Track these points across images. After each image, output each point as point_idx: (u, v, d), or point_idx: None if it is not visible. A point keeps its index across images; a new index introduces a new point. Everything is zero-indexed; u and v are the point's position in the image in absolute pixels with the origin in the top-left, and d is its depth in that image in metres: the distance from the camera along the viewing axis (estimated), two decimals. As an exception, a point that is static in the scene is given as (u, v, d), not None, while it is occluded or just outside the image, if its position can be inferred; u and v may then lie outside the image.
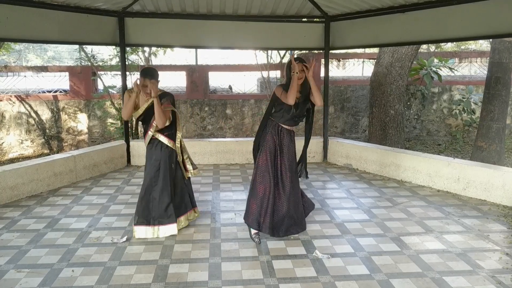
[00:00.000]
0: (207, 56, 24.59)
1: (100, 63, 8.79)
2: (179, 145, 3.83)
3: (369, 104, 8.27)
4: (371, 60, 10.06)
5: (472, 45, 16.74)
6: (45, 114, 9.30)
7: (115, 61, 8.66)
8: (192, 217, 4.00)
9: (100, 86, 9.23)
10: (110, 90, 8.61)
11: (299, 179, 3.79)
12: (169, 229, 3.70)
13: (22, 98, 9.16)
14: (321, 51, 6.71)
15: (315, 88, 3.48)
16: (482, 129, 6.92)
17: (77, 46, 10.24)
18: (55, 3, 5.09)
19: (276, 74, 9.97)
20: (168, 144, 3.72)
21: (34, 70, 9.93)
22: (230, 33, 6.24)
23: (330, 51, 6.48)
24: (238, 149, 6.51)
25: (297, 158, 3.79)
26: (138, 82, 3.53)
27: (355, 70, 10.79)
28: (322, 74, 7.90)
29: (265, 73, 9.50)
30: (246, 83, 10.40)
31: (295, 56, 9.83)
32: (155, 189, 3.68)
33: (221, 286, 2.90)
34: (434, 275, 3.03)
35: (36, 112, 9.27)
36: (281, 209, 3.60)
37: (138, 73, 8.28)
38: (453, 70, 9.12)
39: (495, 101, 6.71)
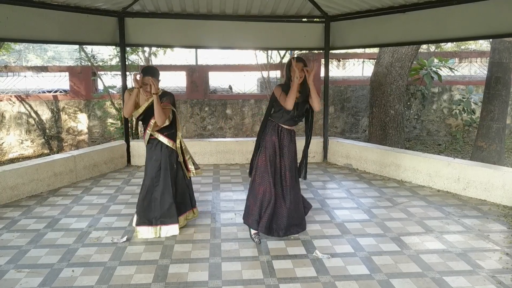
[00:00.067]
0: (207, 56, 24.61)
1: (100, 63, 8.79)
2: (179, 146, 3.83)
3: (369, 104, 8.27)
4: (371, 60, 10.07)
5: (472, 45, 16.74)
6: (45, 114, 9.30)
7: (115, 61, 8.66)
8: (191, 217, 4.00)
9: (100, 86, 9.23)
10: (110, 90, 8.61)
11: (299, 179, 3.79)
12: (171, 229, 3.70)
13: (22, 98, 9.17)
14: (321, 51, 6.72)
15: (314, 92, 3.47)
16: (482, 129, 6.92)
17: (77, 46, 10.24)
18: (55, 3, 5.09)
19: (276, 74, 9.97)
20: (168, 144, 3.72)
21: (34, 70, 9.93)
22: (230, 33, 6.24)
23: (330, 51, 6.48)
24: (238, 149, 6.51)
25: (298, 158, 3.79)
26: (138, 77, 3.52)
27: (355, 70, 10.79)
28: (322, 74, 7.90)
29: (265, 73, 9.50)
30: (246, 83, 10.39)
31: (295, 56, 9.87)
32: (157, 189, 3.68)
33: (221, 286, 2.90)
34: (434, 275, 3.03)
35: (36, 112, 9.27)
36: (280, 209, 3.60)
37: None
38: (453, 70, 9.12)
39: (495, 101, 6.71)
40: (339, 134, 9.83)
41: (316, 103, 3.50)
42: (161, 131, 3.70)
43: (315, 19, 6.53)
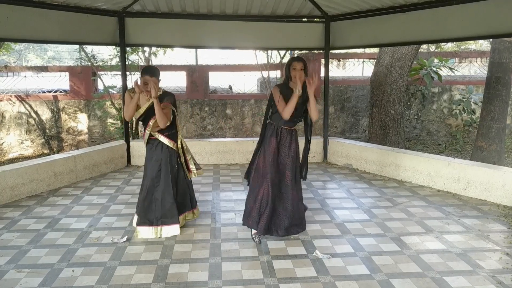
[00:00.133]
0: (207, 56, 24.61)
1: (100, 63, 8.79)
2: (180, 146, 3.82)
3: (369, 104, 8.27)
4: (371, 60, 10.07)
5: (472, 45, 16.74)
6: (45, 114, 9.30)
7: (115, 61, 8.66)
8: (190, 217, 3.99)
9: (100, 86, 9.23)
10: (110, 90, 8.61)
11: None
12: (172, 229, 3.70)
13: (22, 98, 9.17)
14: (321, 51, 6.72)
15: (313, 103, 3.44)
16: (482, 129, 6.92)
17: (77, 46, 10.24)
18: (55, 3, 5.09)
19: (276, 74, 9.97)
20: (169, 145, 3.71)
21: (34, 70, 9.93)
22: (230, 33, 6.24)
23: (330, 51, 6.48)
24: (238, 149, 6.51)
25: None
26: (139, 82, 3.53)
27: (355, 70, 10.79)
28: (322, 74, 7.90)
29: (265, 73, 9.50)
30: (246, 83, 10.40)
31: (295, 55, 9.87)
32: (157, 190, 3.68)
33: (221, 286, 2.90)
34: (434, 275, 3.03)
35: (36, 112, 9.27)
36: (280, 209, 3.60)
37: (139, 73, 8.31)
38: (453, 70, 9.12)
39: (495, 101, 6.71)
40: (339, 134, 9.83)
41: (313, 114, 3.49)
42: (162, 131, 3.70)
43: (315, 19, 6.53)
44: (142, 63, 9.10)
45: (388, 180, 5.56)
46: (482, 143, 6.90)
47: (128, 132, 6.29)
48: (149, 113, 3.62)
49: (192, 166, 3.95)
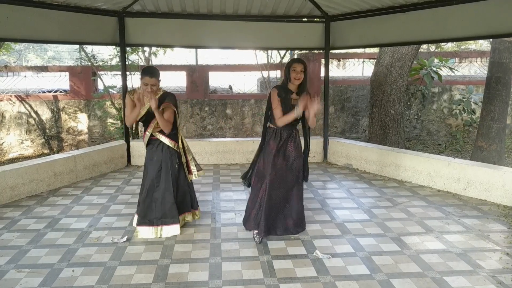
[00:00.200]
0: (207, 56, 24.60)
1: (100, 63, 8.79)
2: (181, 146, 3.82)
3: (369, 104, 8.27)
4: (371, 60, 10.07)
5: (472, 45, 16.74)
6: (45, 114, 9.30)
7: (115, 61, 8.66)
8: (190, 219, 3.97)
9: (100, 86, 9.23)
10: (110, 90, 8.61)
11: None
12: (172, 229, 3.70)
13: (22, 98, 9.17)
14: (321, 51, 6.72)
15: (313, 114, 3.40)
16: (482, 129, 6.92)
17: (77, 46, 10.24)
18: (55, 3, 5.09)
19: (276, 74, 9.97)
20: (170, 145, 3.71)
21: (34, 70, 9.94)
22: (231, 33, 6.23)
23: (330, 51, 6.48)
24: (238, 149, 6.51)
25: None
26: (140, 84, 3.55)
27: (355, 70, 10.80)
28: (322, 74, 7.90)
29: (265, 73, 9.50)
30: (246, 83, 10.40)
31: (295, 56, 9.87)
32: (158, 190, 3.68)
33: (222, 286, 2.90)
34: (434, 275, 3.03)
35: (36, 112, 9.27)
36: (281, 210, 3.60)
37: (139, 73, 8.31)
38: (453, 70, 9.12)
39: (495, 101, 6.71)
40: (339, 134, 9.83)
41: (311, 123, 3.48)
42: (163, 131, 3.69)
43: (315, 19, 6.53)
44: (142, 63, 9.10)
45: (388, 180, 5.56)
46: (482, 143, 6.90)
47: (128, 132, 6.30)
48: (150, 115, 3.62)
49: (193, 168, 3.94)
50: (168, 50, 11.40)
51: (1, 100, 9.09)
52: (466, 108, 8.80)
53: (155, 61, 9.82)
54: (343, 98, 9.77)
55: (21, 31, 4.90)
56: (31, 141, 9.33)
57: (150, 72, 3.52)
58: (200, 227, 3.92)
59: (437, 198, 4.81)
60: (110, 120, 9.18)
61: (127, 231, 3.81)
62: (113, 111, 9.00)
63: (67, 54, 32.68)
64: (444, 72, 9.10)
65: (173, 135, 3.75)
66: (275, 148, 3.56)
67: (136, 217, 3.77)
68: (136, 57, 9.25)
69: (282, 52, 9.74)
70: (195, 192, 4.12)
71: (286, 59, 9.72)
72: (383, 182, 5.46)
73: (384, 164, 5.74)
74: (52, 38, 5.37)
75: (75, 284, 2.90)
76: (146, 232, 3.66)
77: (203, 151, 6.44)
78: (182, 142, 3.84)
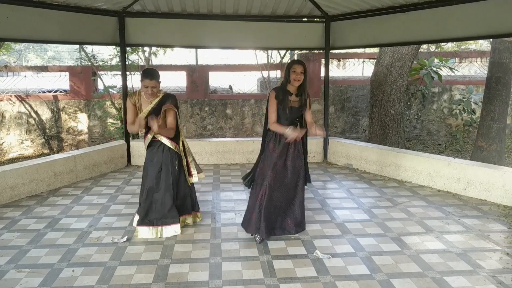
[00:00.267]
0: (207, 56, 24.59)
1: (100, 63, 8.79)
2: (182, 147, 3.82)
3: (370, 104, 8.27)
4: (371, 60, 10.07)
5: (472, 45, 16.74)
6: (45, 114, 9.30)
7: (115, 61, 8.66)
8: (190, 221, 3.95)
9: (100, 86, 9.23)
10: (110, 90, 8.61)
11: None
12: (172, 229, 3.70)
13: (22, 98, 9.17)
14: (321, 51, 6.72)
15: (313, 128, 3.49)
16: (483, 129, 6.92)
17: (77, 46, 10.25)
18: (55, 3, 5.09)
19: (276, 74, 9.97)
20: (171, 146, 3.71)
21: (34, 70, 9.94)
22: (231, 33, 6.23)
23: (330, 51, 6.48)
24: (239, 149, 6.51)
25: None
26: (141, 85, 3.55)
27: (355, 70, 10.80)
28: (322, 74, 7.90)
29: (265, 73, 9.50)
30: (246, 83, 10.40)
31: (296, 56, 9.87)
32: (158, 191, 3.67)
33: (222, 286, 2.90)
34: (434, 275, 3.03)
35: (36, 112, 9.27)
36: (282, 210, 3.60)
37: (138, 73, 8.31)
38: (453, 70, 9.12)
39: (495, 101, 6.71)
40: (339, 134, 9.83)
41: (310, 128, 3.55)
42: (163, 132, 3.70)
43: (315, 19, 6.53)
44: (142, 63, 9.10)
45: (388, 180, 5.56)
46: (482, 143, 6.90)
47: (128, 132, 6.29)
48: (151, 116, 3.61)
49: (193, 170, 3.93)
50: (168, 50, 11.41)
51: (1, 100, 9.09)
52: (466, 108, 8.80)
53: (155, 61, 9.82)
54: (343, 98, 9.77)
55: (21, 31, 4.90)
56: (31, 141, 9.33)
57: (150, 74, 3.52)
58: (200, 227, 3.92)
59: (437, 198, 4.81)
60: (110, 120, 9.18)
61: (127, 231, 3.81)
62: (113, 111, 9.00)
63: (67, 54, 32.67)
64: (444, 72, 9.10)
65: (175, 137, 3.75)
66: (275, 149, 3.56)
67: (136, 217, 3.77)
68: (136, 57, 9.25)
69: (282, 52, 9.74)
70: (195, 192, 4.12)
71: (286, 59, 9.72)
72: (383, 182, 5.46)
73: (384, 164, 5.74)
74: (52, 38, 5.37)
75: (75, 284, 2.90)
76: (146, 232, 3.66)
77: (203, 151, 6.44)
78: (183, 144, 3.84)
